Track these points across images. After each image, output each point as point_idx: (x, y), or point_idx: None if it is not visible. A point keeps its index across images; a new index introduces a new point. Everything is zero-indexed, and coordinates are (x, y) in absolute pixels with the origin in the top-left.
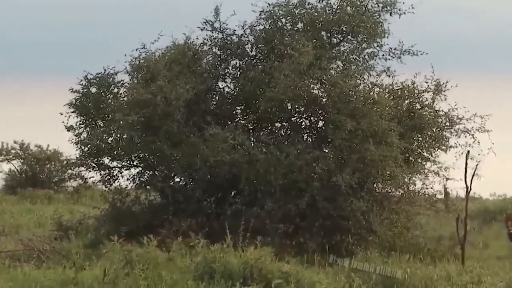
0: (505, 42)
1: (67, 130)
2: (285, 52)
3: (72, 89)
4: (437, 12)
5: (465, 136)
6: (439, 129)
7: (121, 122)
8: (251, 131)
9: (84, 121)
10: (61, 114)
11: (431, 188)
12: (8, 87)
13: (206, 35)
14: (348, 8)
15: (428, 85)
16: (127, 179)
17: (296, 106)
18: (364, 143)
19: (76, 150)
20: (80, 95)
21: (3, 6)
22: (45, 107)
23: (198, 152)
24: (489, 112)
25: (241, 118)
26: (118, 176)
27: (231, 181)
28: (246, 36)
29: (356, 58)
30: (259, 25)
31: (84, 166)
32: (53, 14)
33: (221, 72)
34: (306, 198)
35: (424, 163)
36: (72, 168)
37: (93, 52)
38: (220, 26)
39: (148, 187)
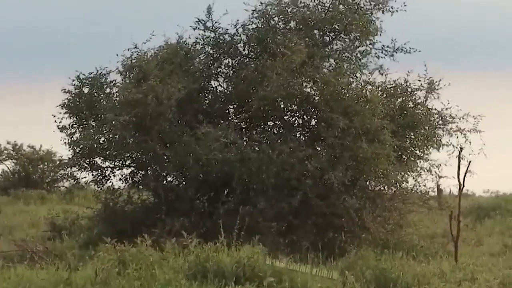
0: (499, 39)
1: (60, 131)
2: (278, 50)
3: (65, 89)
4: (429, 10)
5: (457, 137)
6: (431, 127)
7: (113, 122)
8: (243, 129)
9: (76, 121)
10: (54, 116)
11: (424, 185)
12: (0, 87)
13: (199, 34)
14: (341, 6)
15: (421, 84)
16: (120, 179)
17: (289, 104)
18: (356, 141)
19: (69, 150)
20: (73, 95)
21: None
22: (38, 107)
23: (190, 151)
24: (483, 108)
25: (233, 117)
26: (111, 176)
27: (224, 180)
28: (238, 35)
29: (348, 57)
30: (251, 24)
31: (77, 167)
32: (45, 11)
33: (213, 71)
34: (299, 196)
35: (417, 161)
36: (65, 168)
37: (85, 52)
38: (213, 25)
39: (140, 186)
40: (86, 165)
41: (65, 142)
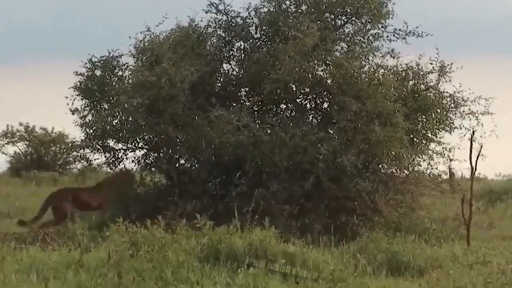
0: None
1: (72, 113)
2: (290, 34)
3: (77, 72)
4: None
5: (470, 119)
6: (443, 110)
7: (126, 104)
8: (256, 112)
9: (89, 104)
10: (66, 98)
11: (436, 168)
12: (13, 69)
13: (211, 17)
14: None
15: (433, 67)
16: (132, 161)
17: (301, 87)
18: (369, 124)
19: (81, 132)
20: (85, 78)
21: None
22: (51, 89)
23: (203, 134)
24: (494, 92)
25: (246, 100)
26: (123, 158)
27: (236, 163)
28: (250, 18)
29: (360, 40)
30: (263, 8)
31: (89, 148)
32: None
33: (225, 54)
34: (311, 179)
35: (429, 144)
36: (77, 150)
37: (98, 34)
38: (225, 8)
39: (153, 169)
40: (99, 147)
41: (77, 124)
